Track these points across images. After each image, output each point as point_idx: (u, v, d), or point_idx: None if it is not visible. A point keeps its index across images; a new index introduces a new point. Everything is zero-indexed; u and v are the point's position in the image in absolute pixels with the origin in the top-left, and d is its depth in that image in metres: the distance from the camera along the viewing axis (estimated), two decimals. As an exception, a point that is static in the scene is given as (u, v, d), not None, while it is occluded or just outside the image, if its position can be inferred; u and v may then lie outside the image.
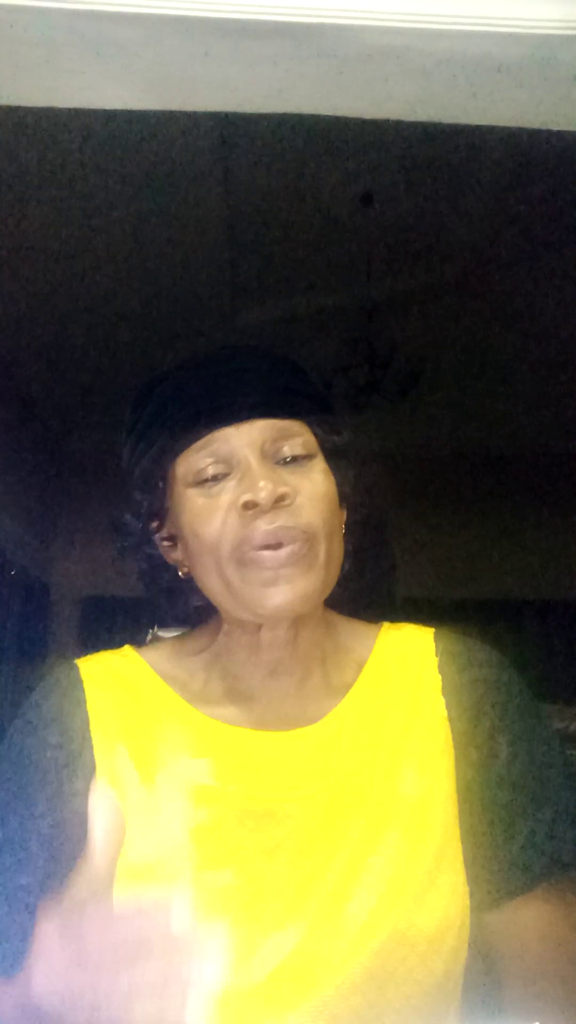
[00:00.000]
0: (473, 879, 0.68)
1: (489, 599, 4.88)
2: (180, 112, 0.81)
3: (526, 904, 0.68)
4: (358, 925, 0.64)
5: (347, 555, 0.76)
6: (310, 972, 0.63)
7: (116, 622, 4.66)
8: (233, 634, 0.73)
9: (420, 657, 0.76)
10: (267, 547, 0.67)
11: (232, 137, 2.89)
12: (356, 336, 3.69)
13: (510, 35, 0.69)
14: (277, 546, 0.67)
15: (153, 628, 0.93)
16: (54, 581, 5.04)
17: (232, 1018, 0.63)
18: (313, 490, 0.69)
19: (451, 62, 0.71)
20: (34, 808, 0.69)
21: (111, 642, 0.79)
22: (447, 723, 0.72)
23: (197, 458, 0.70)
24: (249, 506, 0.67)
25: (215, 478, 0.69)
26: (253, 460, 0.68)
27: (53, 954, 0.47)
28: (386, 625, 0.80)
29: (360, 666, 0.76)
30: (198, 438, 0.70)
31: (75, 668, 0.74)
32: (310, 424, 0.72)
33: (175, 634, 0.83)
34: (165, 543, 0.75)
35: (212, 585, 0.70)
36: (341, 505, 0.75)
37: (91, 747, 0.70)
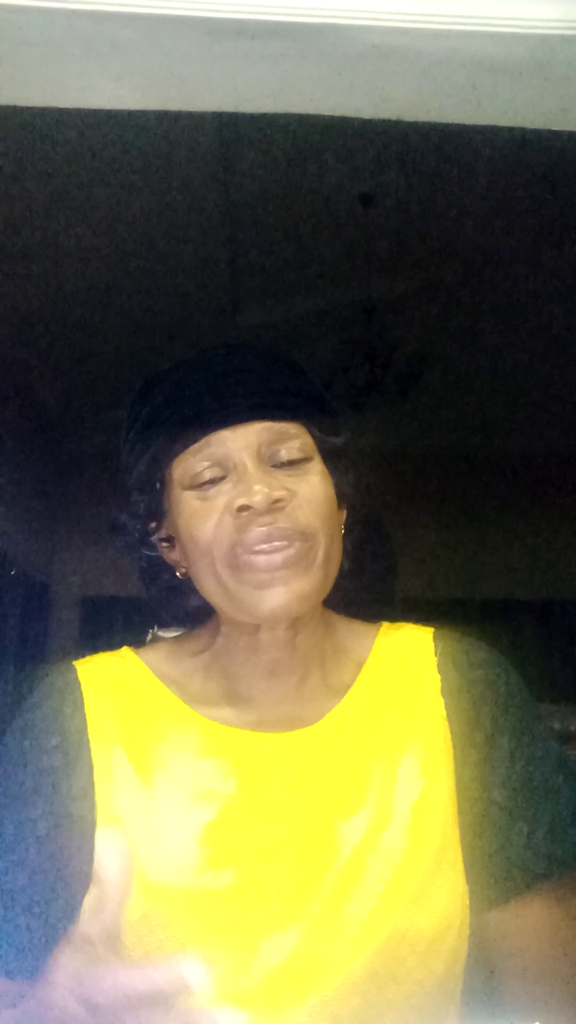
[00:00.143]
0: (473, 879, 0.68)
1: (489, 599, 4.88)
2: (180, 112, 0.81)
3: (526, 904, 0.68)
4: (358, 925, 0.64)
5: (346, 555, 0.76)
6: (310, 972, 0.63)
7: (116, 622, 4.66)
8: (231, 635, 0.73)
9: (419, 657, 0.76)
10: (262, 551, 0.66)
11: (232, 137, 2.89)
12: (356, 336, 3.70)
13: (510, 35, 0.69)
14: (272, 550, 0.66)
15: (153, 628, 0.93)
16: (54, 581, 5.04)
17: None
18: (310, 493, 0.69)
19: (451, 62, 0.71)
20: (32, 810, 0.68)
21: (111, 642, 0.79)
22: (446, 723, 0.72)
23: (193, 461, 0.70)
24: (244, 510, 0.66)
25: (212, 481, 0.69)
26: (249, 463, 0.68)
27: (62, 995, 0.49)
28: (385, 625, 0.79)
29: (359, 666, 0.76)
30: (194, 441, 0.70)
31: (73, 670, 0.74)
32: (308, 426, 0.72)
33: (175, 634, 0.83)
34: (163, 544, 0.75)
35: (208, 587, 0.70)
36: (340, 505, 0.75)
37: (88, 749, 0.70)
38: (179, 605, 0.78)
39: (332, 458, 0.73)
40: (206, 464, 0.69)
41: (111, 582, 4.17)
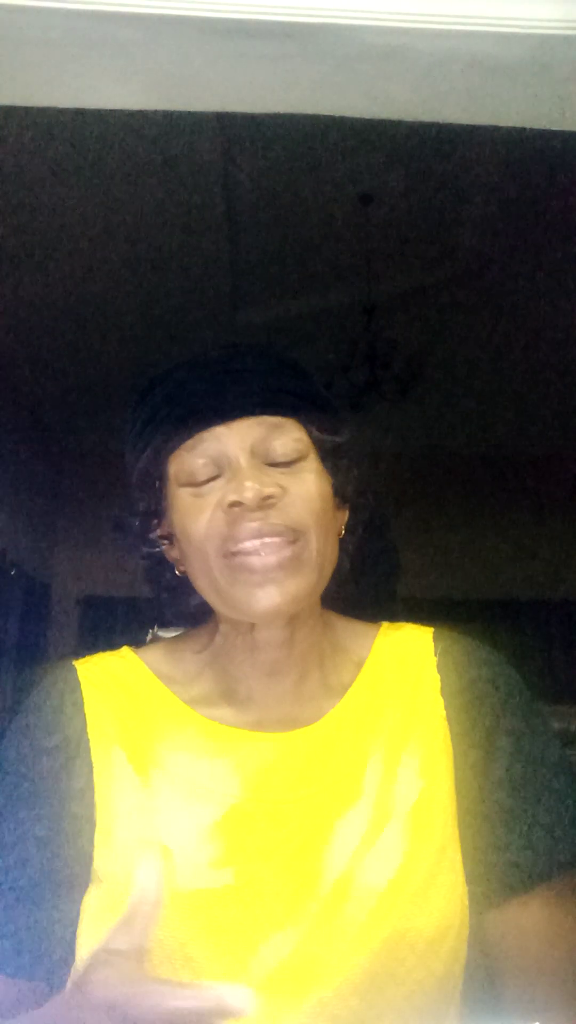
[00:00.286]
0: (472, 879, 0.68)
1: (489, 599, 4.88)
2: (180, 112, 0.81)
3: (525, 904, 0.68)
4: (357, 926, 0.64)
5: (348, 556, 0.76)
6: (309, 972, 0.63)
7: (116, 622, 4.67)
8: (229, 634, 0.73)
9: (419, 657, 0.76)
10: (254, 549, 0.67)
11: (232, 137, 2.89)
12: (356, 336, 3.70)
13: (510, 35, 0.69)
14: (263, 546, 0.67)
15: (153, 628, 0.93)
16: (54, 581, 5.04)
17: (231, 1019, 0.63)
18: (303, 490, 0.69)
19: (451, 62, 0.71)
20: (31, 810, 0.68)
21: (111, 642, 0.79)
22: (446, 723, 0.72)
23: (188, 457, 0.70)
24: (235, 505, 0.67)
25: (207, 478, 0.70)
26: (242, 460, 0.69)
27: (95, 1013, 0.49)
28: (385, 625, 0.79)
29: (358, 666, 0.76)
30: (188, 437, 0.70)
31: (73, 670, 0.74)
32: (305, 424, 0.72)
33: (175, 634, 0.83)
34: (164, 542, 0.75)
35: (203, 585, 0.71)
36: (342, 506, 0.75)
37: (88, 749, 0.70)
38: (181, 604, 0.78)
39: (331, 457, 0.73)
40: (201, 461, 0.70)
41: (111, 582, 4.17)
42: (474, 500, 5.06)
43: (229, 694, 0.74)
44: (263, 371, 0.73)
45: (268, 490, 0.67)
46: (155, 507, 0.74)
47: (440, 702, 0.73)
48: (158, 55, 0.71)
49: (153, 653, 0.78)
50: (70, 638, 4.98)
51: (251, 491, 0.66)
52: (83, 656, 0.77)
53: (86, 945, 0.65)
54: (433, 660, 0.75)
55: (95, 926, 0.65)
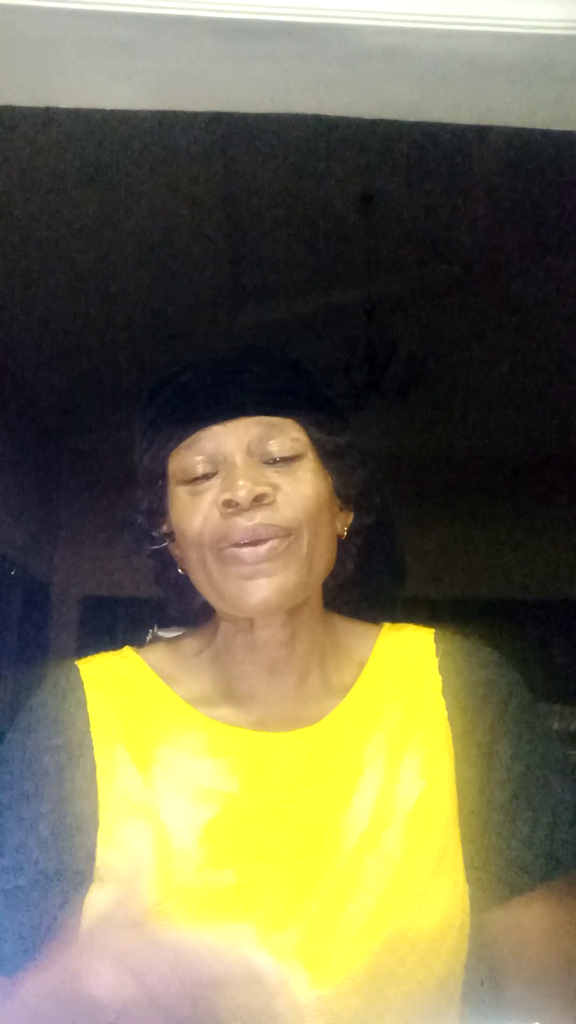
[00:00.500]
0: (473, 879, 0.68)
1: (489, 599, 4.88)
2: (180, 112, 0.81)
3: (526, 904, 0.68)
4: (358, 925, 0.64)
5: (351, 558, 0.76)
6: (310, 972, 0.63)
7: (116, 622, 4.67)
8: (230, 633, 0.74)
9: (420, 658, 0.76)
10: (246, 544, 0.67)
11: (232, 137, 2.89)
12: (356, 336, 3.70)
13: (510, 35, 0.69)
14: (257, 543, 0.67)
15: (153, 628, 0.93)
16: (54, 581, 5.04)
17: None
18: (297, 489, 0.70)
19: (451, 62, 0.71)
20: (34, 809, 0.68)
21: (111, 642, 0.80)
22: (447, 724, 0.72)
23: (186, 455, 0.71)
24: (228, 504, 0.68)
25: (204, 476, 0.70)
26: (238, 458, 0.69)
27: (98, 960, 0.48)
28: (386, 626, 0.80)
29: (360, 667, 0.76)
30: (187, 436, 0.71)
31: (75, 669, 0.75)
32: (303, 424, 0.72)
33: (175, 634, 0.84)
34: (169, 539, 0.76)
35: (199, 580, 0.72)
36: (345, 507, 0.75)
37: (91, 748, 0.70)
38: (185, 602, 0.79)
39: (331, 458, 0.73)
40: (198, 459, 0.71)
41: (111, 582, 4.17)
42: (474, 500, 5.06)
43: (230, 693, 0.74)
44: (263, 372, 0.74)
45: (260, 489, 0.68)
46: (158, 505, 0.75)
47: (442, 703, 0.73)
48: (158, 55, 0.71)
49: (154, 653, 0.78)
50: (70, 638, 4.98)
51: (244, 490, 0.67)
52: (84, 656, 0.77)
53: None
54: (435, 661, 0.75)
55: (97, 925, 0.65)
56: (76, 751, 0.70)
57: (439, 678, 0.74)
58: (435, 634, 0.78)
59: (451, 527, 4.96)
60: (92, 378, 4.25)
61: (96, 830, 0.67)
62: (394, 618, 0.81)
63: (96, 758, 0.70)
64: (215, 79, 0.73)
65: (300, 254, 3.58)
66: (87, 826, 0.68)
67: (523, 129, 0.79)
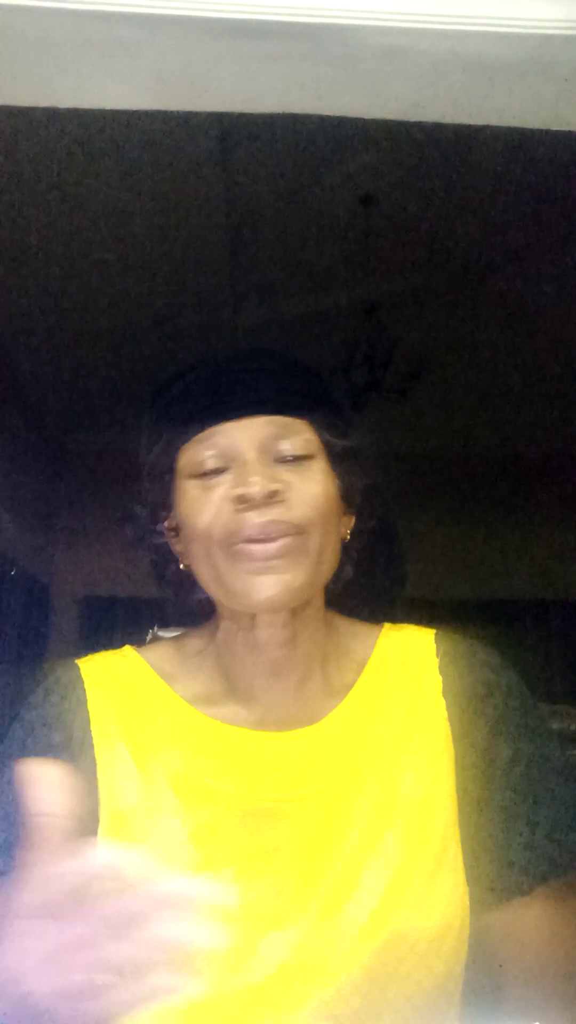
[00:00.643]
0: (473, 880, 0.68)
1: (489, 599, 4.88)
2: (180, 112, 0.81)
3: (526, 905, 0.68)
4: (358, 926, 0.64)
5: (352, 561, 0.76)
6: (310, 972, 0.63)
7: (116, 622, 4.66)
8: (231, 632, 0.74)
9: (421, 658, 0.76)
10: (257, 540, 0.67)
11: (232, 137, 2.89)
12: (356, 336, 3.69)
13: (510, 35, 0.69)
14: (268, 539, 0.67)
15: (153, 628, 0.93)
16: (54, 581, 5.04)
17: (232, 1019, 0.63)
18: (308, 488, 0.70)
19: (451, 62, 0.71)
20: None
21: (111, 642, 0.79)
22: (447, 724, 0.72)
23: (198, 450, 0.71)
24: (241, 500, 0.68)
25: (214, 471, 0.70)
26: (251, 455, 0.69)
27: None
28: (387, 626, 0.80)
29: (361, 667, 0.76)
30: (200, 430, 0.71)
31: (75, 668, 0.75)
32: (314, 425, 0.73)
33: (175, 634, 0.84)
34: (171, 534, 0.76)
35: (204, 575, 0.71)
36: (348, 511, 0.75)
37: (92, 747, 0.70)
38: (184, 600, 0.79)
39: (339, 461, 0.74)
40: (210, 453, 0.70)
41: (111, 582, 4.16)
42: (474, 500, 5.06)
43: (231, 693, 0.74)
44: (278, 372, 0.74)
45: (274, 486, 0.68)
46: (163, 499, 0.75)
47: (442, 703, 0.73)
48: (158, 55, 0.71)
49: (155, 652, 0.78)
50: (70, 638, 4.97)
51: (257, 485, 0.67)
52: (84, 656, 0.77)
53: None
54: (435, 662, 0.75)
55: None
56: (76, 749, 0.70)
57: (439, 679, 0.74)
58: (435, 635, 0.78)
59: (451, 527, 4.96)
60: (92, 378, 4.25)
61: (97, 829, 0.67)
62: (394, 618, 0.81)
63: (96, 757, 0.70)
64: (215, 79, 0.73)
65: (300, 254, 3.58)
66: (87, 825, 0.68)
67: (523, 129, 0.79)
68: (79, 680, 0.73)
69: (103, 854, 0.47)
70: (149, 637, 0.88)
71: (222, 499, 0.69)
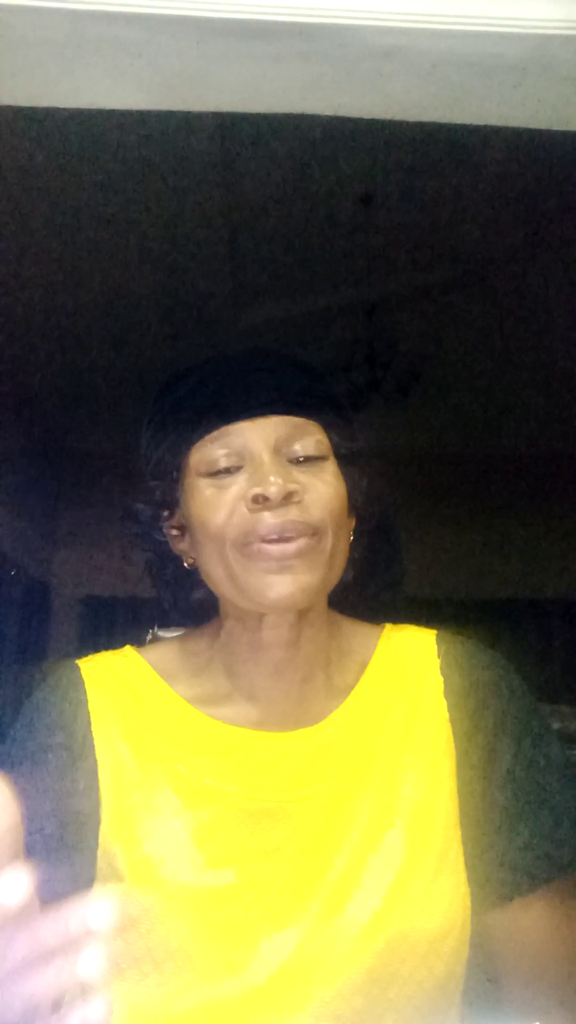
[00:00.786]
0: (474, 880, 0.68)
1: (489, 599, 4.88)
2: (180, 112, 0.81)
3: (527, 906, 0.68)
4: (359, 926, 0.64)
5: (352, 563, 0.76)
6: (311, 973, 0.63)
7: (116, 622, 4.66)
8: (235, 632, 0.73)
9: (422, 659, 0.76)
10: (274, 540, 0.67)
11: (232, 137, 2.89)
12: (356, 336, 3.70)
13: (510, 35, 0.69)
14: (285, 539, 0.67)
15: (153, 628, 0.93)
16: (54, 581, 5.04)
17: (233, 1019, 0.63)
18: (323, 489, 0.70)
19: (451, 62, 0.71)
20: (35, 808, 0.68)
21: (111, 642, 0.79)
22: (449, 725, 0.72)
23: (211, 449, 0.71)
24: (258, 500, 0.67)
25: (228, 470, 0.70)
26: (265, 455, 0.69)
27: None
28: (388, 626, 0.80)
29: (362, 667, 0.76)
30: (213, 429, 0.71)
31: (76, 668, 0.74)
32: (325, 427, 0.73)
33: (175, 634, 0.84)
34: (174, 532, 0.76)
35: (216, 574, 0.71)
36: (351, 513, 0.75)
37: (92, 747, 0.70)
38: (183, 598, 0.78)
39: (347, 462, 0.74)
40: (223, 452, 0.70)
41: (111, 582, 4.16)
42: (474, 500, 5.06)
43: (232, 693, 0.74)
44: (289, 373, 0.74)
45: (291, 486, 0.68)
46: (169, 497, 0.75)
47: (443, 704, 0.73)
48: (158, 55, 0.71)
49: (156, 652, 0.78)
50: (70, 638, 4.97)
51: (275, 486, 0.67)
52: (84, 656, 0.77)
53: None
54: (436, 662, 0.75)
55: None
56: (77, 750, 0.70)
57: (441, 679, 0.74)
58: (437, 635, 0.78)
59: (451, 527, 4.96)
60: (92, 378, 4.25)
61: (98, 829, 0.67)
62: (395, 619, 0.81)
63: (98, 756, 0.70)
64: (215, 79, 0.73)
65: (300, 254, 3.58)
66: (89, 825, 0.68)
67: (523, 129, 0.79)
68: (80, 680, 0.73)
69: None
70: (149, 637, 0.88)
71: (237, 498, 0.69)
